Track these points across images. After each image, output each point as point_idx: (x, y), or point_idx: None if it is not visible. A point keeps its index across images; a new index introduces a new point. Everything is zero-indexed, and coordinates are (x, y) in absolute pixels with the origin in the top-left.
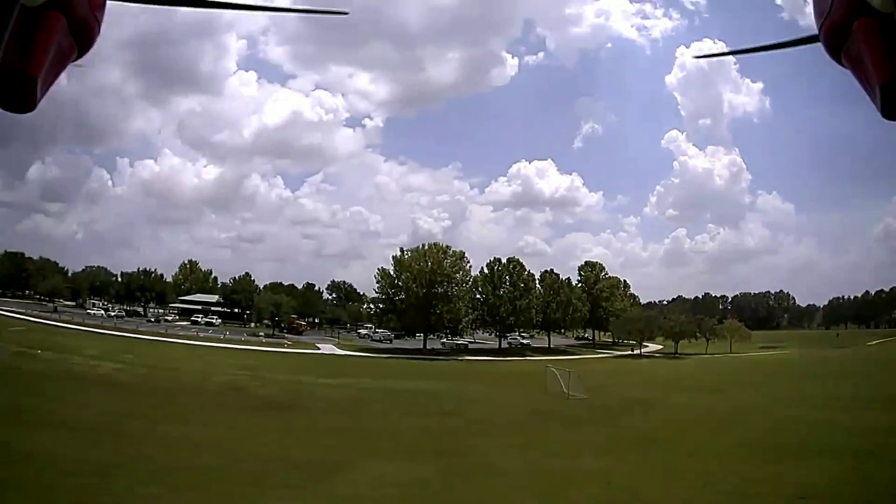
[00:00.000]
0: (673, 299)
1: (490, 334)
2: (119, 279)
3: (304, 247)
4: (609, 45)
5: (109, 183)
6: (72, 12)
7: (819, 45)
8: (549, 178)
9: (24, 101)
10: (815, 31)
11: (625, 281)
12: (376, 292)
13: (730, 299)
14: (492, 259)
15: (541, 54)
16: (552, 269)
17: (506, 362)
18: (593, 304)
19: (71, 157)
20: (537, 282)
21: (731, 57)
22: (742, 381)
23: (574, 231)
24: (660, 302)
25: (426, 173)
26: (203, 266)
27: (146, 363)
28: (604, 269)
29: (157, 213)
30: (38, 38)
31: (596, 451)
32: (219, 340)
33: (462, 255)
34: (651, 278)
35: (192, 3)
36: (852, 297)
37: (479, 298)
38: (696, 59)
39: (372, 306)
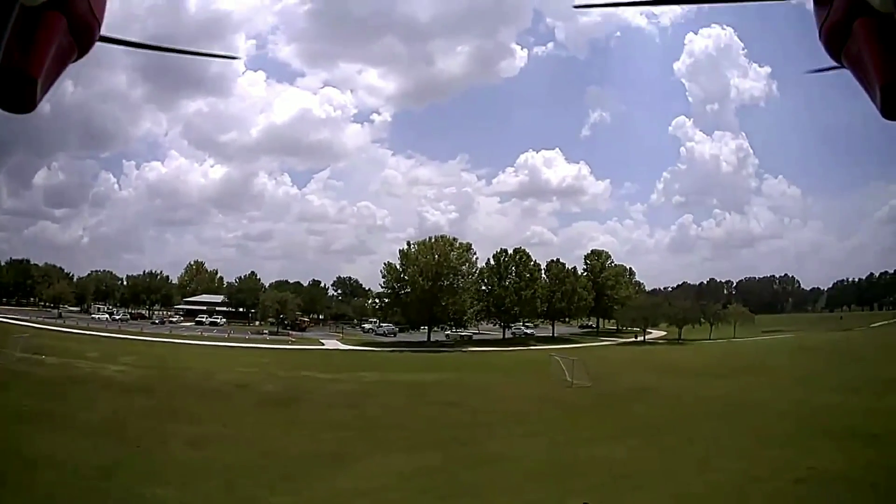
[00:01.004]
0: (678, 286)
1: (494, 325)
2: (124, 283)
3: (311, 243)
4: (618, 34)
5: (115, 186)
6: (72, 12)
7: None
8: (556, 168)
9: (24, 101)
10: None
11: (630, 269)
12: (382, 287)
13: (735, 284)
14: (498, 250)
15: (550, 45)
16: (558, 259)
17: (510, 352)
18: (598, 293)
19: (77, 162)
20: (543, 272)
21: (734, 39)
22: (744, 365)
23: (581, 220)
24: (665, 289)
25: (433, 166)
26: (209, 266)
27: (148, 364)
28: (609, 257)
29: (163, 215)
30: (38, 38)
31: (599, 440)
32: (223, 339)
33: (468, 247)
34: (657, 266)
35: None
36: (856, 280)
37: (484, 290)
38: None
39: (377, 301)
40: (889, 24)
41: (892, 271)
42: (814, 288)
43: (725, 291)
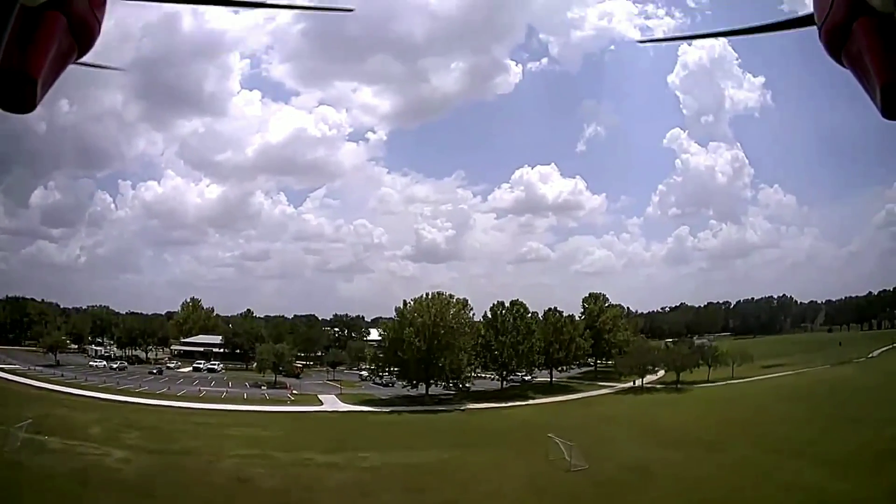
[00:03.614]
0: (675, 307)
1: (491, 375)
2: (122, 317)
3: (308, 262)
4: (612, 47)
5: (112, 206)
6: (72, 12)
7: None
8: (552, 183)
9: (24, 101)
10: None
11: (628, 308)
12: (379, 346)
13: (732, 305)
14: (495, 303)
15: (544, 60)
16: (555, 308)
17: (508, 410)
18: (595, 337)
19: (73, 181)
20: (541, 316)
21: (727, 50)
22: (741, 424)
23: (577, 234)
24: (662, 309)
25: (429, 183)
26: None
27: (151, 445)
28: (607, 299)
29: (161, 235)
30: (38, 38)
31: None
32: (220, 400)
33: (465, 303)
34: (653, 279)
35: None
36: (854, 297)
37: (481, 342)
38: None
39: (374, 362)
40: (889, 24)
41: (891, 289)
42: (812, 301)
43: (724, 310)
